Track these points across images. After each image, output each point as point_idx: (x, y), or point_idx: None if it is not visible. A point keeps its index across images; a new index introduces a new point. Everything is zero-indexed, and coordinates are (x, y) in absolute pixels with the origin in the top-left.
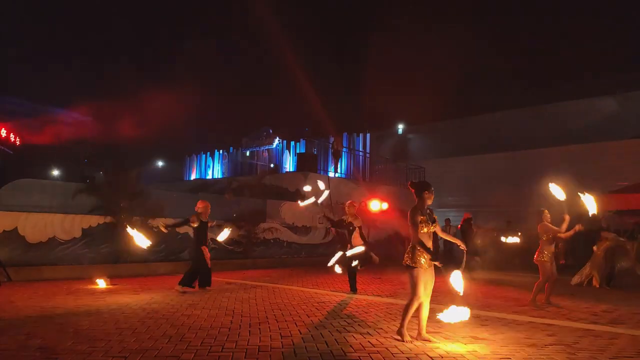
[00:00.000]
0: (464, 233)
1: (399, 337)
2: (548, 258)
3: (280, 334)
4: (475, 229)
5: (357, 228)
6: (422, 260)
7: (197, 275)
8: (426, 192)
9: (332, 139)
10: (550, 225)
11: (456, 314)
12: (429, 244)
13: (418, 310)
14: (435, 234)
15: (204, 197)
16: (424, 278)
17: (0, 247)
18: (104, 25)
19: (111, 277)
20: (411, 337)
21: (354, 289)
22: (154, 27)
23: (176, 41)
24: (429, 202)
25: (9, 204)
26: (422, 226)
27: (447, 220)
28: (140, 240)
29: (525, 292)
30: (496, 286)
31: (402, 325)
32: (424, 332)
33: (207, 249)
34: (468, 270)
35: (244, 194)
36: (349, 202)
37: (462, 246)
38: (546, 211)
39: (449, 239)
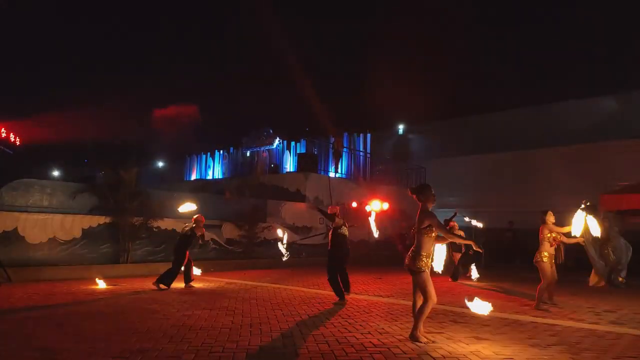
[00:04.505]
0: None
1: (419, 343)
2: (547, 259)
3: (282, 334)
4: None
5: (331, 229)
6: (425, 263)
7: (176, 275)
8: (428, 195)
9: (332, 139)
10: (555, 227)
11: None
12: (431, 248)
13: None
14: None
15: (204, 197)
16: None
17: (0, 247)
18: (105, 23)
19: (111, 278)
20: (426, 338)
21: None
22: (155, 27)
23: (176, 41)
24: (432, 203)
25: (8, 204)
26: (430, 230)
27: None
28: None
29: (525, 291)
30: (497, 286)
31: (416, 329)
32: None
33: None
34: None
35: (244, 194)
36: (330, 207)
37: (474, 245)
38: (550, 212)
39: (459, 241)
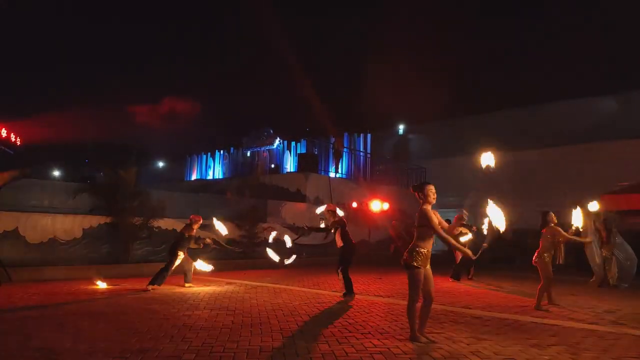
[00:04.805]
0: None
1: (419, 343)
2: (549, 260)
3: (282, 334)
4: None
5: (338, 229)
6: (422, 260)
7: (166, 275)
8: (427, 192)
9: (333, 139)
10: (561, 230)
11: None
12: (430, 245)
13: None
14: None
15: (204, 197)
16: (423, 278)
17: (0, 247)
18: (105, 23)
19: (112, 277)
20: (426, 338)
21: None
22: (155, 28)
23: (176, 41)
24: (433, 201)
25: (9, 204)
26: (427, 228)
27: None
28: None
29: (525, 292)
30: (497, 286)
31: (412, 330)
32: (422, 331)
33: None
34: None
35: (244, 194)
36: (327, 206)
37: (470, 254)
38: (552, 214)
39: (454, 245)
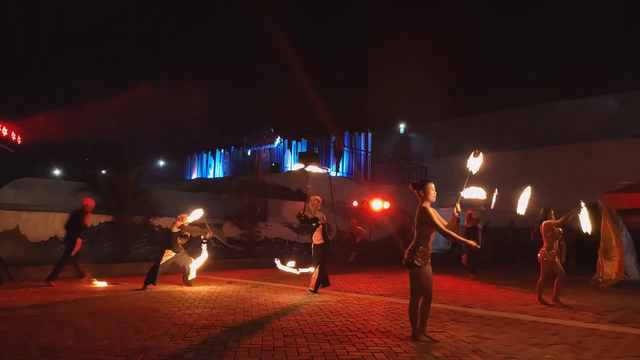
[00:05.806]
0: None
1: (420, 342)
2: (551, 257)
3: (283, 333)
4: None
5: (320, 225)
6: (423, 259)
7: (155, 271)
8: (428, 189)
9: (333, 138)
10: (552, 221)
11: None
12: (430, 244)
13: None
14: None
15: (205, 196)
16: (425, 277)
17: (1, 246)
18: (107, 22)
19: (113, 276)
20: (427, 337)
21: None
22: (157, 28)
23: (177, 41)
24: (433, 199)
25: (10, 203)
26: (428, 226)
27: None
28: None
29: (526, 291)
30: (498, 285)
31: (413, 328)
32: (423, 330)
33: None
34: (473, 269)
35: (244, 193)
36: (313, 197)
37: (474, 244)
38: (551, 210)
39: (457, 239)
